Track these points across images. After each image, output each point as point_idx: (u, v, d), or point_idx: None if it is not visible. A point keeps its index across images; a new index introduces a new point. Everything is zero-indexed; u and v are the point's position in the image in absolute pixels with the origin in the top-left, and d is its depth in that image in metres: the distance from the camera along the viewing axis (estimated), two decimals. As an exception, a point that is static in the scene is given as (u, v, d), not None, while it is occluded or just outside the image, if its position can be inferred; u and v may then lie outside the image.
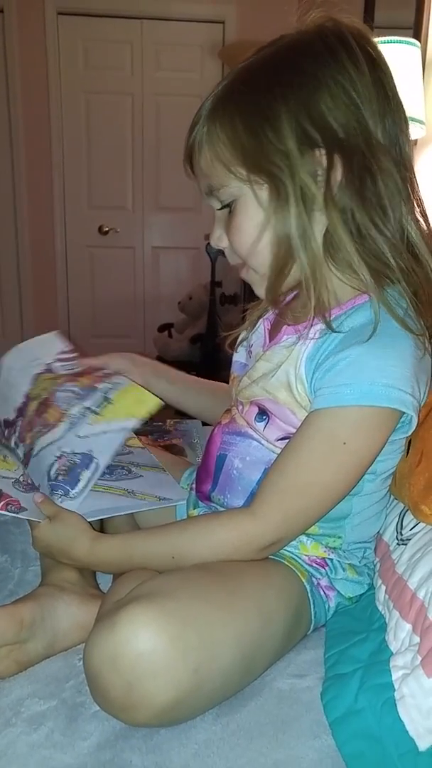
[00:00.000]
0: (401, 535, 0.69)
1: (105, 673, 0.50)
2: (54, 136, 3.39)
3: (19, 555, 0.86)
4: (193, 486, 0.79)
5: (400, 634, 0.57)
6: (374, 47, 0.60)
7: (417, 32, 1.77)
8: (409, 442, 0.67)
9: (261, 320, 0.76)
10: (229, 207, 0.64)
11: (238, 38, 3.29)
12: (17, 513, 0.65)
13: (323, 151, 0.57)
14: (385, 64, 0.60)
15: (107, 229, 3.55)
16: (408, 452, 0.67)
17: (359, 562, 0.72)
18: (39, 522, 0.67)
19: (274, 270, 0.62)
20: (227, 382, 0.83)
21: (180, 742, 0.54)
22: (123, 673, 0.49)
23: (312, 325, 0.62)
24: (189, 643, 0.51)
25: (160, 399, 0.79)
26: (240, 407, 0.72)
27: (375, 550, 0.74)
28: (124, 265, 3.65)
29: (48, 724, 0.56)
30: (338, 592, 0.70)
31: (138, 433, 0.93)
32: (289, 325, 0.68)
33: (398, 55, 1.58)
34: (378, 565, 0.71)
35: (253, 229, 0.62)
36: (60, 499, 0.69)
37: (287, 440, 0.64)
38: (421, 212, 0.62)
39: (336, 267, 0.61)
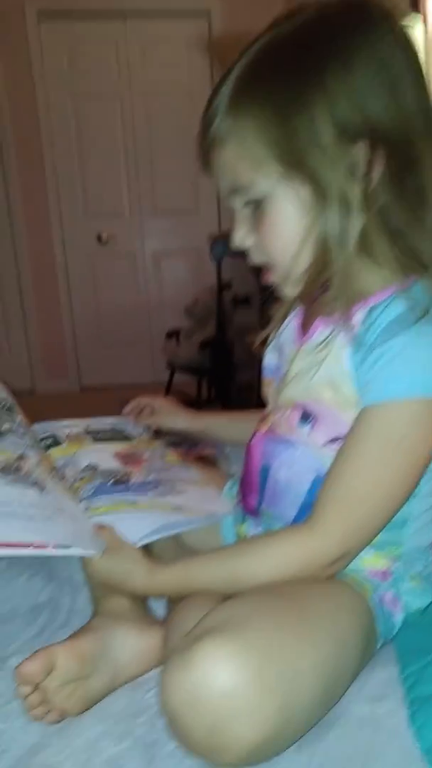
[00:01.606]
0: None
1: (185, 716, 0.47)
2: (45, 143, 3.34)
3: (67, 582, 0.83)
4: (238, 499, 0.76)
5: None
6: (404, 23, 0.54)
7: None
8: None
9: (289, 317, 0.72)
10: (255, 204, 0.59)
11: (224, 30, 3.19)
12: (67, 549, 0.61)
13: (365, 144, 0.53)
14: (413, 42, 0.55)
15: (106, 236, 3.52)
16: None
17: (423, 569, 0.69)
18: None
19: (313, 271, 0.59)
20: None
21: (267, 776, 0.51)
22: (205, 715, 0.46)
23: (350, 316, 0.58)
24: (272, 679, 0.48)
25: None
26: (279, 413, 0.68)
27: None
28: (125, 271, 3.61)
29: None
30: (404, 604, 0.67)
31: (169, 444, 0.91)
32: (322, 318, 0.64)
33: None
34: (441, 571, 0.68)
35: (290, 230, 0.58)
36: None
37: (336, 443, 0.60)
38: None
39: (372, 260, 0.58)
